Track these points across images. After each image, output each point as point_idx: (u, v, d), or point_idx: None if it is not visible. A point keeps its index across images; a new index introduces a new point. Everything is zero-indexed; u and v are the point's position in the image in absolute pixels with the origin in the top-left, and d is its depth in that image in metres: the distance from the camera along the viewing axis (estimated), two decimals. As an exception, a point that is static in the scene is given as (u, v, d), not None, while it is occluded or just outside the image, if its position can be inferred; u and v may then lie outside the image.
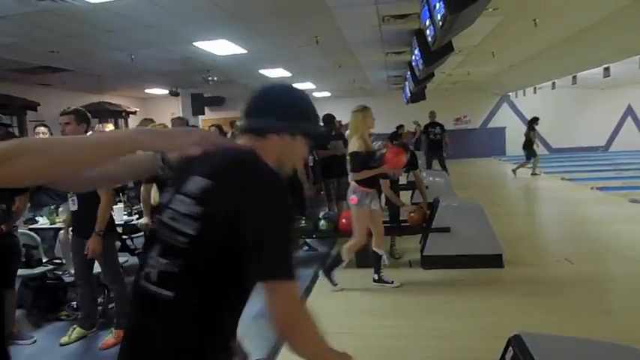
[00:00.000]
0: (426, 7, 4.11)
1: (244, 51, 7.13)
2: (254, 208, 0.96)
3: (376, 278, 4.08)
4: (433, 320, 3.39)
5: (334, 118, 6.61)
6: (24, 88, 9.28)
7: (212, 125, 6.69)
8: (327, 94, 14.49)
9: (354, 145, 3.91)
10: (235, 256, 0.96)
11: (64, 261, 3.77)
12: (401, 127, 10.61)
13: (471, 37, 6.52)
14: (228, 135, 6.50)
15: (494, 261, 4.37)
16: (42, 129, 4.60)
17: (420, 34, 5.65)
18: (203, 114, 12.45)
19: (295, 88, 1.25)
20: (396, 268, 4.55)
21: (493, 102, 16.68)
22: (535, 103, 14.74)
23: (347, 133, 5.50)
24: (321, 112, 5.86)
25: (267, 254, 0.96)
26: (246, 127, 1.17)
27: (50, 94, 9.97)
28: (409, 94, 11.22)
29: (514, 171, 11.09)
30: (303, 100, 1.22)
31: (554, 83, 12.56)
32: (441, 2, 3.41)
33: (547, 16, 5.63)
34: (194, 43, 6.44)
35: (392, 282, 4.06)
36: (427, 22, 4.39)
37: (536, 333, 1.60)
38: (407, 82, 10.79)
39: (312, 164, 5.65)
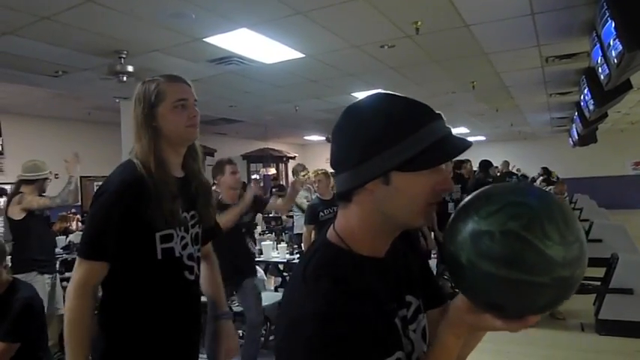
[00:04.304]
0: (598, 45, 3.82)
1: (399, 98, 7.31)
2: None
3: None
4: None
5: (491, 164, 6.35)
6: (204, 137, 10.62)
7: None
8: (482, 138, 13.98)
9: None
10: None
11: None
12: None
13: (655, 73, 5.81)
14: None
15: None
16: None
17: (590, 73, 5.23)
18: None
19: (377, 96, 0.80)
20: (566, 330, 4.09)
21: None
22: None
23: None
24: (476, 158, 5.63)
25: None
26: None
27: (225, 141, 11.38)
28: (577, 137, 10.28)
29: None
30: (381, 110, 0.77)
31: None
32: (617, 40, 3.16)
33: None
34: (352, 94, 6.84)
35: None
36: (599, 61, 4.07)
37: None
38: (574, 124, 9.92)
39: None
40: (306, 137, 13.15)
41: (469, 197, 0.78)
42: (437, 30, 4.18)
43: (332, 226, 0.84)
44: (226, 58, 4.72)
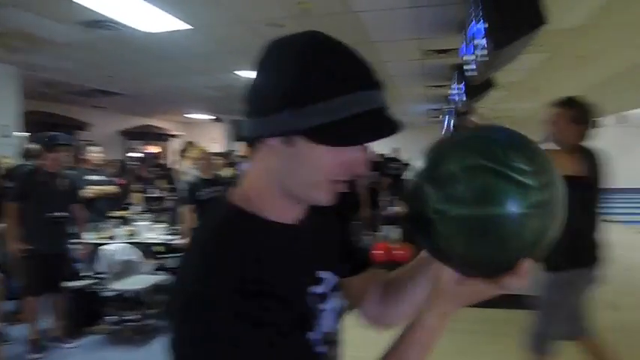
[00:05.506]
0: (467, 43, 4.14)
1: (287, 81, 7.31)
2: None
3: None
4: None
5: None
6: (76, 110, 9.80)
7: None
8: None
9: None
10: None
11: (104, 275, 3.89)
12: None
13: (516, 73, 6.48)
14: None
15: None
16: (93, 149, 4.86)
17: (460, 68, 5.68)
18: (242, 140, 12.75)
19: (310, 39, 0.66)
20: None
21: (537, 139, 16.28)
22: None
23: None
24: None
25: None
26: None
27: (101, 115, 10.48)
28: (449, 128, 11.16)
29: None
30: (304, 58, 0.63)
31: (600, 121, 12.22)
32: (484, 38, 3.44)
33: (595, 53, 5.55)
34: (236, 72, 6.67)
35: None
36: (468, 57, 4.41)
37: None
38: (446, 116, 10.76)
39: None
40: (191, 115, 12.63)
41: (422, 154, 0.70)
42: (325, 13, 4.22)
43: (235, 186, 0.74)
44: (100, 22, 4.30)
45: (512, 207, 0.59)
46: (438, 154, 0.66)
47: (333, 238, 0.86)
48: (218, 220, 0.69)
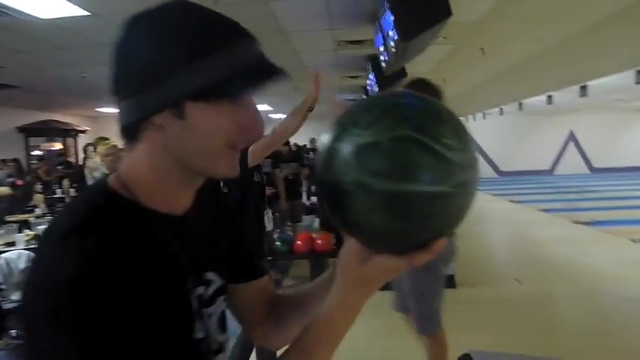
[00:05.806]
0: (380, 34, 4.24)
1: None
2: None
3: None
4: (385, 340, 3.40)
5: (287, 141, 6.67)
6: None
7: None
8: (283, 115, 14.58)
9: None
10: None
11: (4, 286, 3.56)
12: None
13: (424, 64, 6.75)
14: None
15: (447, 282, 4.43)
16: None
17: (374, 59, 5.81)
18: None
19: (170, 5, 0.64)
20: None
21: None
22: (485, 128, 15.38)
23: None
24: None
25: None
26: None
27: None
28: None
29: None
30: (169, 23, 0.61)
31: (501, 109, 13.16)
32: (394, 30, 3.54)
33: (494, 45, 5.92)
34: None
35: None
36: (381, 48, 4.53)
37: (486, 351, 1.64)
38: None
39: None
40: (99, 109, 11.87)
41: (340, 115, 0.63)
42: (237, 2, 4.11)
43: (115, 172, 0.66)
44: (-16, 6, 3.88)
45: (440, 186, 0.56)
46: (359, 118, 0.60)
47: (224, 236, 0.79)
48: (90, 208, 0.60)
